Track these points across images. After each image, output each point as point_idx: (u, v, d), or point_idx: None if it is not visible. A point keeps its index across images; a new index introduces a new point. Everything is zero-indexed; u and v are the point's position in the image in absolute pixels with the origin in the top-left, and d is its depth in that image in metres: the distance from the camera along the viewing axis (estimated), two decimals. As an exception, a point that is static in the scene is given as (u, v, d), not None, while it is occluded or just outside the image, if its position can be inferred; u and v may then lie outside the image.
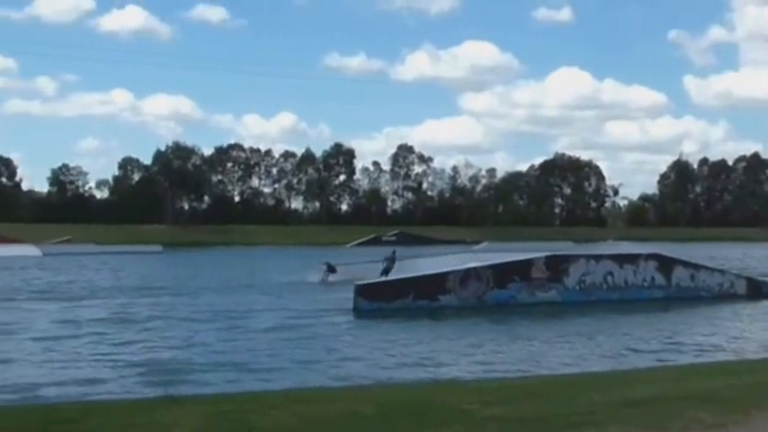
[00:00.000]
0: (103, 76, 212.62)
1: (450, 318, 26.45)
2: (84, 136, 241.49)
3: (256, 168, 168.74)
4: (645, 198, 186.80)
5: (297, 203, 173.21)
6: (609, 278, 31.67)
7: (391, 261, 38.09)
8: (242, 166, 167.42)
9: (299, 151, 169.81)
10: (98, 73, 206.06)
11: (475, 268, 30.15)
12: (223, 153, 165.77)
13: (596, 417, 9.60)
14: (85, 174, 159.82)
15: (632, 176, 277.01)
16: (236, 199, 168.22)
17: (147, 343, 20.46)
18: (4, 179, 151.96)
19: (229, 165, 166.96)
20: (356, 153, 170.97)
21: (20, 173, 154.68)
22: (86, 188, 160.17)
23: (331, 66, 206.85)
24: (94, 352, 18.98)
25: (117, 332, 22.44)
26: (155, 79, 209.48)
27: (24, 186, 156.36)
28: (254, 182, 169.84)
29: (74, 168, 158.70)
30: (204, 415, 9.89)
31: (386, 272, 36.84)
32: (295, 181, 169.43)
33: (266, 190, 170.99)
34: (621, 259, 32.48)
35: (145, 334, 22.14)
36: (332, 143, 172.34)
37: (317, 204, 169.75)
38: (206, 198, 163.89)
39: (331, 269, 41.69)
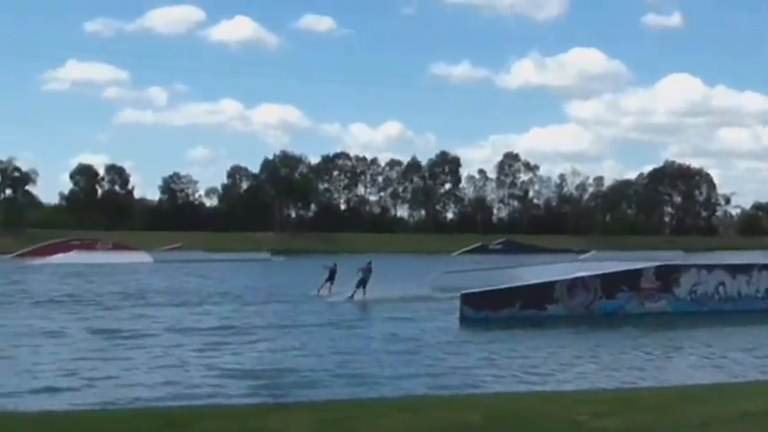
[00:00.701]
0: (213, 87, 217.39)
1: (558, 327, 26.12)
2: (194, 145, 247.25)
3: (362, 177, 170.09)
4: (758, 207, 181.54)
5: (402, 211, 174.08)
6: (721, 288, 30.86)
7: (367, 272, 36.79)
8: (348, 175, 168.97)
9: (405, 159, 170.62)
10: (207, 83, 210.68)
11: (582, 278, 29.75)
12: (329, 162, 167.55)
13: (710, 429, 9.35)
14: (195, 182, 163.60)
15: (745, 184, 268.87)
16: (342, 207, 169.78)
17: (257, 350, 20.76)
18: (117, 187, 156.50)
19: (336, 173, 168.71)
20: (462, 161, 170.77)
21: (132, 181, 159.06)
22: (196, 196, 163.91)
23: (437, 74, 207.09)
24: (204, 357, 19.34)
25: (227, 338, 22.83)
26: (263, 89, 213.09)
27: (137, 194, 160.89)
28: (360, 190, 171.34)
29: (184, 177, 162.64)
30: (313, 421, 9.99)
31: (362, 282, 36.13)
32: (401, 189, 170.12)
33: (372, 198, 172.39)
34: (734, 269, 31.61)
35: (255, 341, 22.46)
36: (437, 151, 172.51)
37: (423, 212, 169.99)
38: (312, 206, 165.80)
39: (331, 276, 38.12)
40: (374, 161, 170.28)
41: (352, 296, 35.69)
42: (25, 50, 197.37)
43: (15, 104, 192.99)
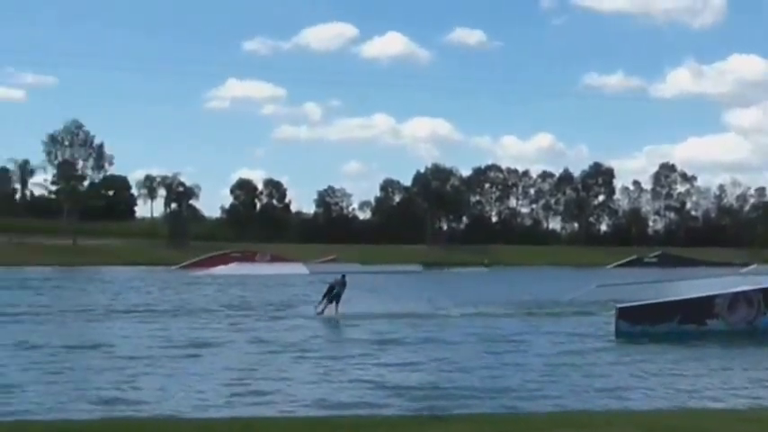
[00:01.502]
0: (365, 101, 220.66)
1: (718, 343, 25.36)
2: (347, 159, 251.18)
3: (514, 189, 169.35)
4: None
5: (555, 224, 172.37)
6: None
7: (341, 285, 34.50)
8: (499, 187, 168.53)
9: (557, 171, 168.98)
10: (360, 98, 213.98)
11: (744, 292, 28.78)
12: (481, 174, 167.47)
13: None
14: (349, 195, 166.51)
15: None
16: (494, 219, 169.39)
17: (409, 362, 20.97)
18: (274, 201, 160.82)
19: (487, 186, 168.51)
20: (615, 172, 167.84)
21: (289, 195, 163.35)
22: (350, 209, 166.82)
23: (589, 85, 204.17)
24: (360, 370, 19.67)
25: (380, 350, 23.16)
26: (414, 103, 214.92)
27: (293, 208, 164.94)
28: (512, 202, 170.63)
29: (338, 190, 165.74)
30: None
31: (337, 297, 34.03)
32: (553, 201, 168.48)
33: (524, 210, 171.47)
34: None
35: (410, 354, 22.67)
36: (590, 163, 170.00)
37: (576, 225, 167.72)
38: (464, 218, 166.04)
39: (330, 292, 34.54)
40: (526, 173, 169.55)
41: (321, 311, 33.64)
42: (189, 71, 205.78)
43: (180, 122, 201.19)
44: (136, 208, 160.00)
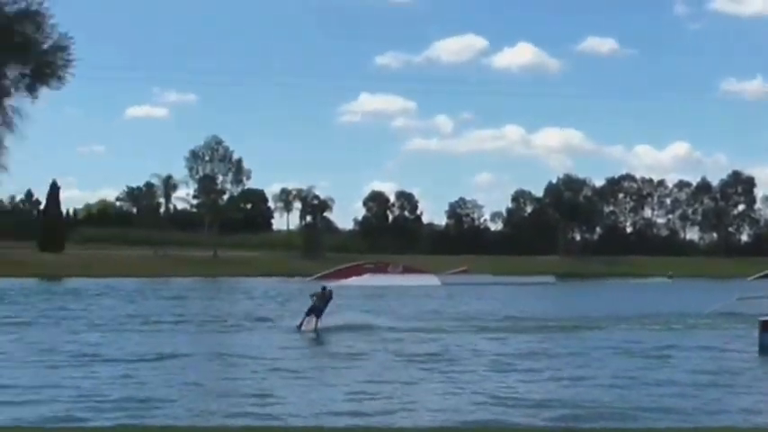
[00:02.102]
0: (496, 112, 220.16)
1: None
2: (478, 170, 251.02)
3: (649, 199, 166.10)
4: None
5: (692, 234, 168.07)
6: None
7: (322, 299, 32.97)
8: (634, 197, 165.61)
9: (694, 180, 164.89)
10: (491, 109, 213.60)
11: None
12: (615, 184, 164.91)
13: None
14: (480, 207, 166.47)
15: None
16: (629, 230, 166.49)
17: (551, 378, 21.10)
18: (406, 213, 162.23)
19: (621, 196, 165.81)
20: (756, 181, 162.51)
21: (421, 207, 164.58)
22: (481, 221, 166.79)
23: (727, 90, 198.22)
24: (498, 384, 19.94)
25: (519, 364, 23.36)
26: (545, 113, 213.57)
27: (424, 219, 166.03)
28: (647, 212, 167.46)
29: (469, 202, 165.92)
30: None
31: (316, 311, 32.58)
32: (690, 211, 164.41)
33: (660, 221, 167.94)
34: None
35: (543, 369, 22.80)
36: (729, 171, 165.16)
37: (714, 235, 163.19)
38: (597, 229, 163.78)
39: (314, 310, 32.83)
40: (661, 183, 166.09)
41: (299, 326, 32.62)
42: (322, 86, 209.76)
43: (314, 137, 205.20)
44: (272, 220, 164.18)
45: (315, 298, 33.12)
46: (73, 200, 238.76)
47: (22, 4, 7.36)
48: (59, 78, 7.66)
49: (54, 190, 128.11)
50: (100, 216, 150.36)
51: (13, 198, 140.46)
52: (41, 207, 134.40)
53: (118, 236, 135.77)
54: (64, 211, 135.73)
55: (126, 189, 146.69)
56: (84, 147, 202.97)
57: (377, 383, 19.60)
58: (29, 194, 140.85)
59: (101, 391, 18.07)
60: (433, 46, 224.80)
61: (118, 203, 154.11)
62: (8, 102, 7.65)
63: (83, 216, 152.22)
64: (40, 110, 7.41)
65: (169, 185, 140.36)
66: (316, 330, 32.24)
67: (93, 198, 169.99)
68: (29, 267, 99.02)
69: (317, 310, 32.73)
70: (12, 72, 7.58)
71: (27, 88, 7.64)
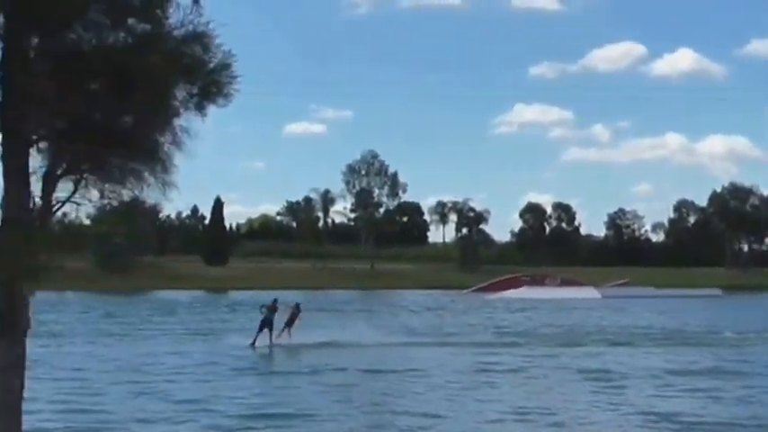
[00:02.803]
0: (655, 121, 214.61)
1: None
2: (638, 180, 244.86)
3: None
4: None
5: None
6: None
7: (272, 312, 32.24)
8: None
9: None
10: (650, 118, 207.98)
11: None
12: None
13: None
14: (641, 217, 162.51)
15: None
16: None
17: (714, 396, 20.43)
18: (564, 224, 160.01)
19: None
20: None
21: (578, 218, 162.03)
22: (642, 231, 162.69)
23: None
24: (635, 402, 19.34)
25: (690, 381, 22.66)
26: (708, 120, 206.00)
27: (583, 231, 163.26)
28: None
29: (629, 212, 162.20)
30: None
31: (269, 324, 31.79)
32: None
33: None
34: None
35: (716, 387, 22.06)
36: None
37: None
38: (767, 240, 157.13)
39: (266, 323, 32.21)
40: None
41: (254, 343, 31.96)
42: (477, 96, 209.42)
43: (469, 149, 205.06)
44: (428, 233, 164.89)
45: (264, 309, 32.60)
46: (236, 215, 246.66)
47: (189, 27, 7.65)
48: (226, 96, 7.92)
49: (218, 206, 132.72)
50: (261, 230, 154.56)
51: (180, 214, 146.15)
52: (206, 222, 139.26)
53: (278, 249, 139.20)
54: (227, 226, 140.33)
55: (285, 204, 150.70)
56: (246, 163, 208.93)
57: (541, 398, 19.42)
58: (194, 210, 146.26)
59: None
60: (590, 55, 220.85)
61: (278, 218, 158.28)
62: (177, 121, 7.95)
63: (245, 230, 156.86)
64: (204, 128, 7.65)
65: (327, 200, 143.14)
66: (270, 344, 31.88)
67: (254, 213, 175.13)
68: (196, 280, 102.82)
69: (268, 323, 32.24)
70: (180, 93, 7.89)
71: (195, 107, 7.93)
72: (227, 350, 30.47)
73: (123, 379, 22.69)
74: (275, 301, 33.11)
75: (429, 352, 30.66)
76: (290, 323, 32.65)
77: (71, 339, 34.38)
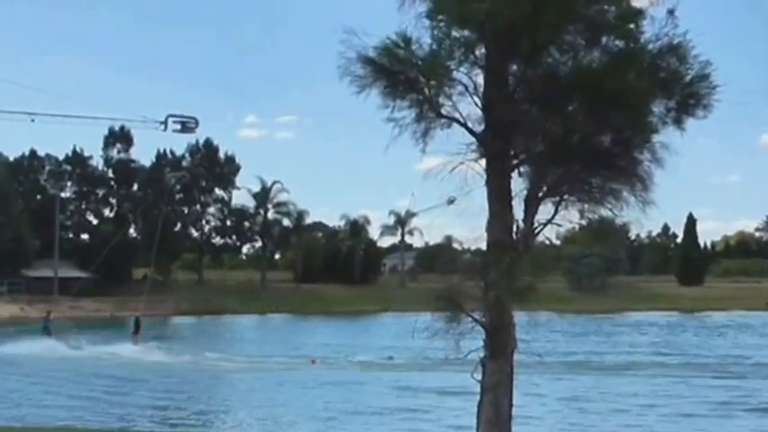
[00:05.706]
0: None
1: None
2: None
3: None
4: None
5: None
6: None
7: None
8: None
9: None
10: None
11: None
12: None
13: None
14: None
15: None
16: None
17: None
18: None
19: None
20: None
21: None
22: None
23: None
24: None
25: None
26: None
27: None
28: None
29: None
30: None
31: (135, 329, 35.90)
32: None
33: None
34: None
35: None
36: None
37: None
38: None
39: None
40: None
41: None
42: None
43: None
44: None
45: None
46: (710, 232, 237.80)
47: (665, 40, 7.51)
48: (705, 107, 7.67)
49: (691, 223, 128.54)
50: (738, 247, 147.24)
51: (650, 233, 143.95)
52: (678, 240, 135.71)
53: (757, 268, 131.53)
54: (701, 244, 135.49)
55: (765, 219, 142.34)
56: (719, 177, 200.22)
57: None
58: (665, 228, 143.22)
59: None
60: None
61: (756, 234, 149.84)
62: (656, 138, 7.83)
63: (720, 248, 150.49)
64: (675, 142, 7.45)
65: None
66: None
67: (730, 229, 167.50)
68: (668, 301, 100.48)
69: (46, 330, 37.15)
70: (657, 108, 7.76)
71: (673, 122, 7.76)
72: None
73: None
74: (137, 319, 37.07)
75: None
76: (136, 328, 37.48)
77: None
